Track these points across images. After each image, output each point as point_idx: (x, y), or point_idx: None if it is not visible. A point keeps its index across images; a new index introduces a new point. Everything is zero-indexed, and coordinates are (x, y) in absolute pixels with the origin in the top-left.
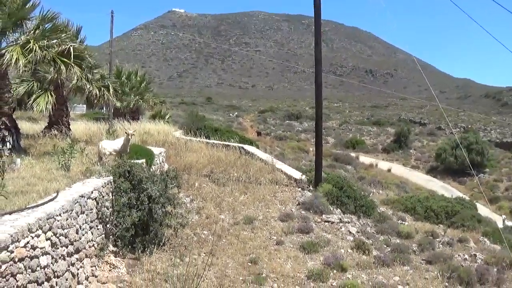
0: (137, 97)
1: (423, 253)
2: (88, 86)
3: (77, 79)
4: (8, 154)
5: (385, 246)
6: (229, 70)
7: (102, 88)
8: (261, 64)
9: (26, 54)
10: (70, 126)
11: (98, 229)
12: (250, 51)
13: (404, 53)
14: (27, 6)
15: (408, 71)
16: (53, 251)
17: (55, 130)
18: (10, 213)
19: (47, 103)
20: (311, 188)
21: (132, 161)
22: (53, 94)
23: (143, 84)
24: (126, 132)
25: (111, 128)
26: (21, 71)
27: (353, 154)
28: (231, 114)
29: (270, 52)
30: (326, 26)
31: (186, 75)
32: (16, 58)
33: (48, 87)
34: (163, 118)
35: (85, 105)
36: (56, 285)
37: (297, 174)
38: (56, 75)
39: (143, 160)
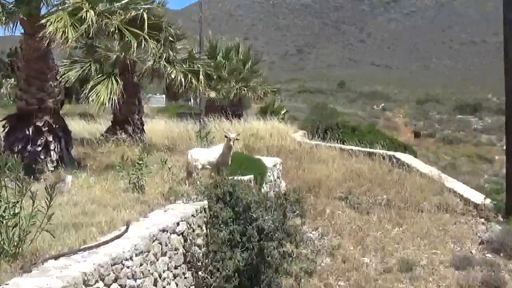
0: (240, 84)
1: None
2: (169, 70)
3: (154, 59)
4: (53, 169)
5: None
6: (369, 43)
7: (189, 73)
8: (414, 31)
9: (78, 24)
10: (144, 127)
11: (185, 277)
12: (398, 14)
13: None
14: None
15: None
16: None
17: (123, 133)
18: (56, 258)
19: (110, 93)
20: (501, 219)
21: (235, 177)
22: (119, 81)
23: (247, 66)
24: (226, 136)
25: (203, 129)
26: (70, 48)
27: None
28: (375, 107)
29: (427, 15)
30: None
31: (307, 51)
32: (63, 31)
33: (112, 71)
34: (277, 114)
35: (164, 96)
36: None
37: (477, 197)
38: (122, 54)
39: (251, 177)
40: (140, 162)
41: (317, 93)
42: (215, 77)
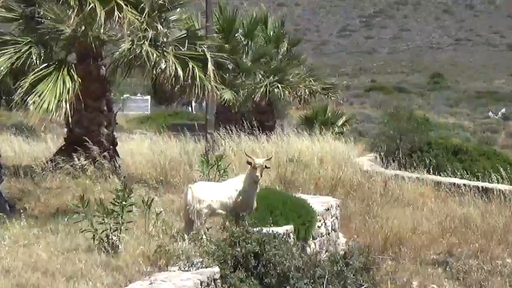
0: (270, 78)
1: None
2: (155, 56)
3: (133, 40)
4: None
5: None
6: (482, 8)
7: (190, 62)
8: None
9: None
10: (117, 148)
11: None
12: None
13: None
14: None
15: None
16: None
17: (82, 157)
18: None
19: (61, 94)
20: None
21: (264, 229)
22: (74, 75)
23: (282, 48)
24: (249, 163)
25: (212, 151)
26: None
27: None
28: (490, 114)
29: None
30: None
31: (381, 24)
32: None
33: (65, 58)
34: (332, 126)
35: (148, 98)
36: None
37: None
38: (82, 29)
39: (290, 228)
40: (118, 203)
41: (397, 92)
42: (230, 67)
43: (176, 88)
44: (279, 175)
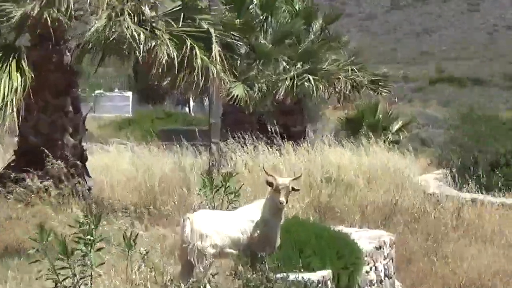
0: (299, 66)
1: None
2: (141, 36)
3: (109, 15)
4: None
5: None
6: None
7: (188, 39)
8: None
9: None
10: (86, 163)
11: None
12: None
13: None
14: None
15: None
16: None
17: (36, 177)
18: None
19: (4, 97)
20: None
21: (290, 276)
22: (26, 69)
23: (314, 27)
24: (269, 183)
25: (217, 167)
26: None
27: None
28: None
29: None
30: None
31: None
32: None
33: (13, 44)
34: (384, 132)
35: (130, 94)
36: None
37: None
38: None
39: (326, 273)
40: (85, 244)
41: (472, 85)
42: (243, 50)
43: (168, 79)
44: (312, 200)
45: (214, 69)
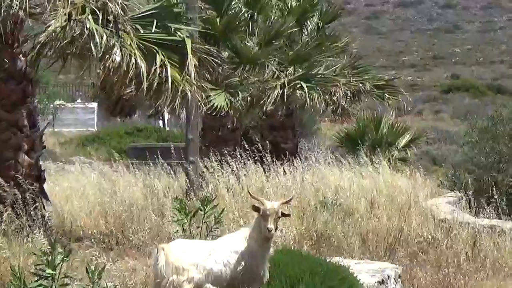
0: (290, 71)
1: None
2: (103, 40)
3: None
4: None
5: None
6: None
7: (160, 54)
8: None
9: None
10: (45, 185)
11: None
12: None
13: None
14: None
15: None
16: None
17: None
18: None
19: None
20: None
21: None
22: None
23: (309, 25)
24: (255, 208)
25: (194, 187)
26: None
27: None
28: None
29: None
30: None
31: None
32: None
33: None
34: (389, 148)
35: (95, 106)
36: None
37: None
38: None
39: None
40: (36, 275)
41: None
42: (226, 54)
43: (135, 91)
44: (305, 228)
45: (189, 86)
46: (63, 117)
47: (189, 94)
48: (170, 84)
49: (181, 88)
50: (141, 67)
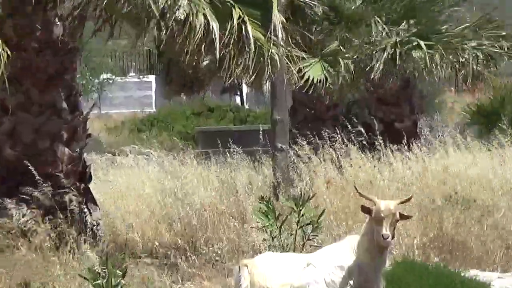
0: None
1: None
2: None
3: None
4: None
5: None
6: None
7: (237, 10)
8: None
9: None
10: (91, 185)
11: None
12: None
13: None
14: None
15: None
16: None
17: (19, 207)
18: None
19: None
20: None
21: None
22: None
23: None
24: (365, 209)
25: (284, 183)
26: None
27: None
28: None
29: None
30: None
31: None
32: None
33: None
34: None
35: (153, 80)
36: None
37: None
38: None
39: None
40: None
41: None
42: (319, 11)
43: (207, 58)
44: (430, 233)
45: (275, 53)
46: (112, 95)
47: (277, 58)
48: (251, 46)
49: (266, 53)
50: (212, 27)
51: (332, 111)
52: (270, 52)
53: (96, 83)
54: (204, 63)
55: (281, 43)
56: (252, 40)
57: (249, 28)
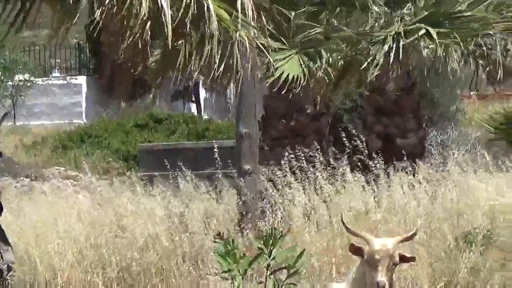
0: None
1: None
2: None
3: None
4: None
5: None
6: None
7: None
8: None
9: None
10: (1, 217)
11: None
12: None
13: None
14: None
15: None
16: None
17: None
18: None
19: None
20: None
21: None
22: None
23: None
24: (356, 250)
25: (251, 213)
26: None
27: None
28: None
29: None
30: None
31: None
32: None
33: None
34: None
35: (83, 81)
36: None
37: None
38: None
39: None
40: None
41: None
42: None
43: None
44: (440, 279)
45: (246, 34)
46: (30, 102)
47: (247, 44)
48: (211, 25)
49: (234, 36)
50: (163, 7)
51: (315, 122)
52: (238, 35)
53: (9, 86)
54: (152, 58)
55: (252, 23)
56: (214, 17)
57: (210, 3)
